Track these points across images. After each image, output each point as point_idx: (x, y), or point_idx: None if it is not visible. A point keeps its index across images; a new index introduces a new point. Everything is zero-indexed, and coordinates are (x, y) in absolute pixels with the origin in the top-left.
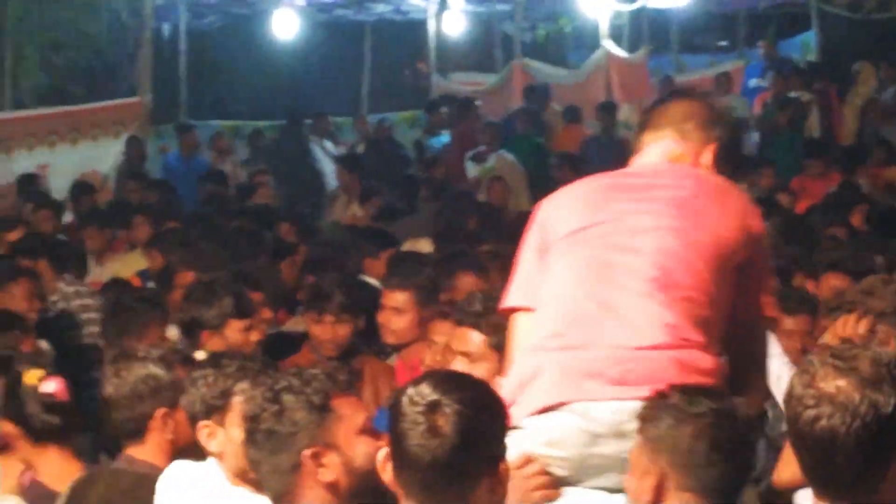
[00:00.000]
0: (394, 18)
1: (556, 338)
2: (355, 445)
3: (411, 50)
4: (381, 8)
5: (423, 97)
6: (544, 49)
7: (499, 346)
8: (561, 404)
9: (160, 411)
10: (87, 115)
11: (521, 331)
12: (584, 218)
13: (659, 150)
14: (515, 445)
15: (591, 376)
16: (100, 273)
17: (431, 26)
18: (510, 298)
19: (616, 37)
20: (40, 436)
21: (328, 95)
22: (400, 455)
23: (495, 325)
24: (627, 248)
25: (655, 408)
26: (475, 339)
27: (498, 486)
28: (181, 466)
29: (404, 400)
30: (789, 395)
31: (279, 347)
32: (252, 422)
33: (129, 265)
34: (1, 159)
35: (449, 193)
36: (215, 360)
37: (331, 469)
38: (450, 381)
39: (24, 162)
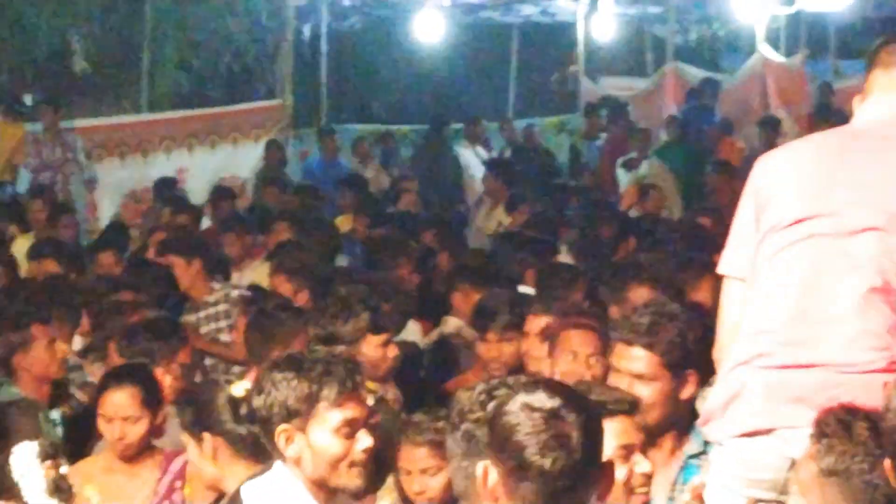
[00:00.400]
0: (541, 21)
1: (763, 356)
2: None
3: (559, 53)
4: (528, 10)
5: (571, 102)
6: (697, 53)
7: (671, 366)
8: (765, 430)
9: None
10: (226, 118)
11: (732, 303)
12: (803, 206)
13: (892, 100)
14: (716, 464)
15: (796, 401)
16: (238, 279)
17: (580, 29)
18: (724, 265)
19: (772, 41)
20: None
21: (473, 99)
22: (518, 467)
23: (669, 343)
24: (844, 254)
25: (840, 439)
26: (648, 359)
27: (606, 492)
28: (254, 487)
29: (513, 408)
30: (886, 409)
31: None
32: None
33: (268, 272)
34: (137, 162)
35: (589, 201)
36: (297, 362)
37: None
38: (562, 388)
39: (161, 165)
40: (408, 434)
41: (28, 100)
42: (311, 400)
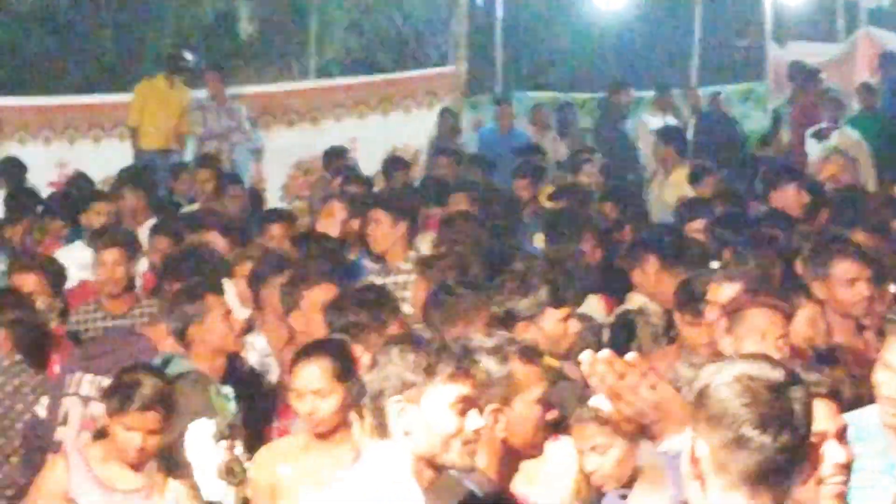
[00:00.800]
0: None
1: None
2: None
3: (745, 17)
4: None
5: (758, 68)
6: (891, 17)
7: None
8: None
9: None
10: (398, 85)
11: None
12: None
13: None
14: None
15: None
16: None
17: None
18: None
19: None
20: None
21: (654, 66)
22: (735, 441)
23: None
24: None
25: None
26: None
27: (813, 471)
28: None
29: (726, 380)
30: None
31: None
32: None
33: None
34: (307, 131)
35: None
36: (413, 340)
37: None
38: (777, 362)
39: (331, 134)
40: (576, 412)
41: (188, 55)
42: (428, 372)
